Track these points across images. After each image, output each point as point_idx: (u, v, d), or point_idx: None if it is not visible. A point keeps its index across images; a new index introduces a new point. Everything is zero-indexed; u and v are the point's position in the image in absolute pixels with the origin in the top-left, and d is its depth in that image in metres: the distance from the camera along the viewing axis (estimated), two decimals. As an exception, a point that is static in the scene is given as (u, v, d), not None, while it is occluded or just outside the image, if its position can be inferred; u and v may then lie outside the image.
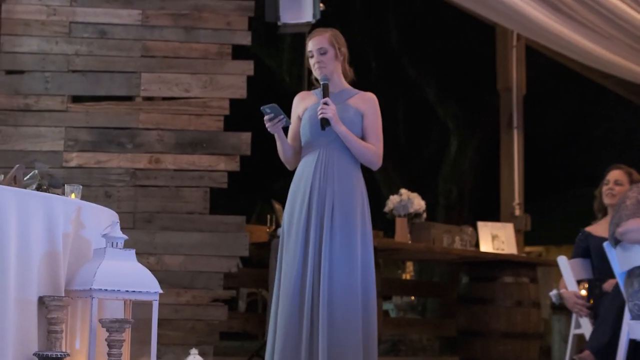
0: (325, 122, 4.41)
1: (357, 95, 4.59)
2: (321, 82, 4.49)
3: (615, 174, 5.52)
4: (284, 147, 4.59)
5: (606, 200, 5.52)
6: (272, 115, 4.40)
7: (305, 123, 4.54)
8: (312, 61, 4.56)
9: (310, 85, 4.76)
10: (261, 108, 4.42)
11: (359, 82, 4.69)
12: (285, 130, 4.57)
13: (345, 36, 4.64)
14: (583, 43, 7.68)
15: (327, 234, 4.35)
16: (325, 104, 4.41)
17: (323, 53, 4.52)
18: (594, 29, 7.53)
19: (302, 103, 4.64)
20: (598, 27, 7.51)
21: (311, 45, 4.55)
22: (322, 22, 6.43)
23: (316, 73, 4.57)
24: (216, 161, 6.47)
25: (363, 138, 4.51)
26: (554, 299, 5.56)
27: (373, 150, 4.49)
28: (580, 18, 7.38)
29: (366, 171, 4.61)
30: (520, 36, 9.22)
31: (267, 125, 4.45)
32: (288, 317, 4.33)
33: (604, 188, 5.53)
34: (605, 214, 5.59)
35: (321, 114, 4.40)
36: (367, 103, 4.56)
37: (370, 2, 12.63)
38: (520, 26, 7.95)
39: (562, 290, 5.48)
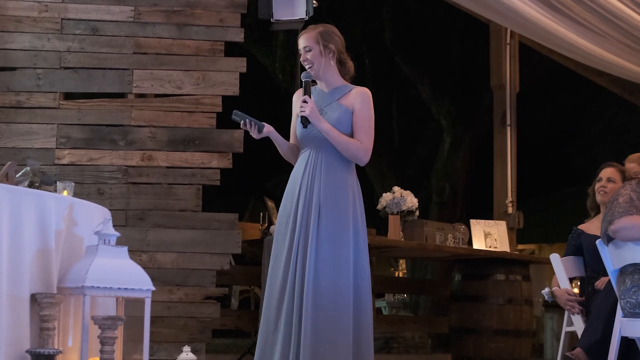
0: (304, 120, 4.41)
1: (350, 92, 4.55)
2: (302, 80, 4.48)
3: (608, 172, 5.51)
4: (281, 148, 4.59)
5: (599, 198, 5.52)
6: (241, 120, 4.43)
7: (298, 122, 4.53)
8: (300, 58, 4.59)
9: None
10: (232, 117, 4.48)
11: (353, 80, 4.67)
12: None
13: (338, 33, 4.62)
14: (577, 41, 7.68)
15: (313, 234, 4.33)
16: (304, 102, 4.41)
17: (308, 50, 4.50)
18: (589, 26, 7.52)
19: (300, 102, 4.62)
20: (593, 24, 7.51)
21: (299, 44, 4.55)
22: (315, 18, 6.43)
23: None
24: (209, 158, 6.45)
25: (353, 133, 4.50)
26: (546, 297, 5.56)
27: (357, 145, 4.42)
28: (574, 15, 7.38)
29: (360, 169, 4.59)
30: (513, 33, 9.21)
31: (251, 134, 4.49)
32: (267, 315, 4.35)
33: (597, 185, 5.52)
34: (598, 211, 5.59)
35: (301, 112, 4.40)
36: (357, 98, 4.50)
37: (363, -1, 12.64)
38: (514, 23, 7.94)
39: (554, 288, 5.48)
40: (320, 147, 4.45)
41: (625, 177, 5.42)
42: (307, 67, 4.52)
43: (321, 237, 4.34)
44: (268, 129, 4.47)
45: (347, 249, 4.35)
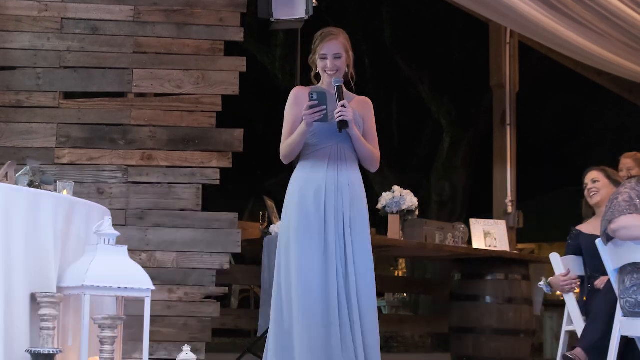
0: (343, 125, 4.38)
1: (355, 99, 4.61)
2: (334, 85, 4.44)
3: (590, 175, 5.59)
4: (300, 142, 4.48)
5: (591, 202, 5.56)
6: (317, 103, 4.31)
7: (321, 123, 4.48)
8: (323, 63, 4.52)
9: (309, 82, 4.73)
10: (310, 90, 4.35)
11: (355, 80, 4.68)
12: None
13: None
14: (577, 40, 7.68)
15: (348, 234, 4.37)
16: (344, 106, 4.38)
17: (338, 58, 4.50)
18: (588, 26, 7.53)
19: (305, 100, 4.59)
20: (592, 24, 7.51)
21: (326, 49, 4.50)
22: (315, 18, 6.43)
23: (324, 75, 4.54)
24: (208, 158, 6.46)
25: None
26: (545, 289, 5.55)
27: (377, 154, 4.56)
28: (574, 15, 7.38)
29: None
30: (513, 33, 9.22)
31: (305, 112, 4.35)
32: (311, 312, 4.28)
33: (585, 192, 5.59)
34: (595, 214, 5.61)
35: (340, 116, 4.36)
36: (366, 107, 4.60)
37: (363, -1, 12.64)
38: (514, 23, 7.94)
39: (550, 278, 5.50)
40: (341, 148, 4.47)
41: (607, 174, 5.51)
42: (331, 73, 4.49)
43: (355, 238, 4.40)
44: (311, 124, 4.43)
45: (370, 248, 4.44)
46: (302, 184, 4.47)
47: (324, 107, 4.32)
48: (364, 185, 4.56)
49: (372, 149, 4.52)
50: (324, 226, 4.37)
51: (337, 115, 4.37)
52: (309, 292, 4.30)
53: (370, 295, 4.36)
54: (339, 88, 4.42)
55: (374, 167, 4.57)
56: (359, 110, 4.54)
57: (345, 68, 4.55)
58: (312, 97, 4.32)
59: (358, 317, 4.29)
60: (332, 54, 4.49)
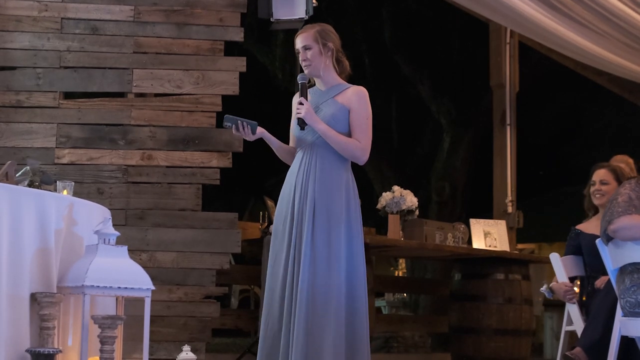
0: (301, 122, 4.41)
1: (346, 90, 4.53)
2: (299, 82, 4.48)
3: (600, 174, 5.51)
4: (274, 148, 4.59)
5: (595, 202, 5.52)
6: (233, 125, 4.40)
7: (295, 124, 4.53)
8: (299, 58, 4.57)
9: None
10: (223, 125, 4.46)
11: (352, 79, 4.67)
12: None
13: (338, 32, 4.61)
14: (577, 40, 7.68)
15: (307, 233, 4.32)
16: (300, 103, 4.41)
17: (307, 49, 4.50)
18: (588, 26, 7.52)
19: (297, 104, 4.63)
20: (592, 24, 7.51)
21: (297, 44, 4.54)
22: (315, 18, 6.43)
23: (305, 71, 4.56)
24: (208, 158, 6.46)
25: (350, 132, 4.49)
26: (546, 294, 5.55)
27: (354, 144, 4.41)
28: (574, 15, 7.38)
29: (359, 168, 4.59)
30: (513, 33, 9.21)
31: (245, 138, 4.50)
32: (270, 314, 4.34)
33: (592, 189, 5.52)
34: (596, 212, 5.60)
35: (297, 114, 4.42)
36: (354, 97, 4.49)
37: (363, -2, 12.64)
38: (514, 23, 7.94)
39: (553, 284, 5.49)
40: (314, 146, 4.45)
41: (617, 176, 5.44)
42: (305, 66, 4.51)
43: (315, 235, 4.32)
44: (260, 130, 4.47)
45: (339, 248, 4.33)
46: (282, 187, 4.53)
47: (240, 120, 4.40)
48: (352, 185, 4.46)
49: (346, 141, 4.40)
50: (288, 231, 4.38)
51: (296, 113, 4.43)
52: (270, 299, 4.36)
53: (314, 302, 4.22)
54: (302, 85, 4.46)
55: (356, 158, 4.44)
56: (344, 101, 4.48)
57: (321, 60, 4.50)
58: (227, 127, 4.44)
59: (298, 326, 4.21)
60: (300, 46, 4.51)
